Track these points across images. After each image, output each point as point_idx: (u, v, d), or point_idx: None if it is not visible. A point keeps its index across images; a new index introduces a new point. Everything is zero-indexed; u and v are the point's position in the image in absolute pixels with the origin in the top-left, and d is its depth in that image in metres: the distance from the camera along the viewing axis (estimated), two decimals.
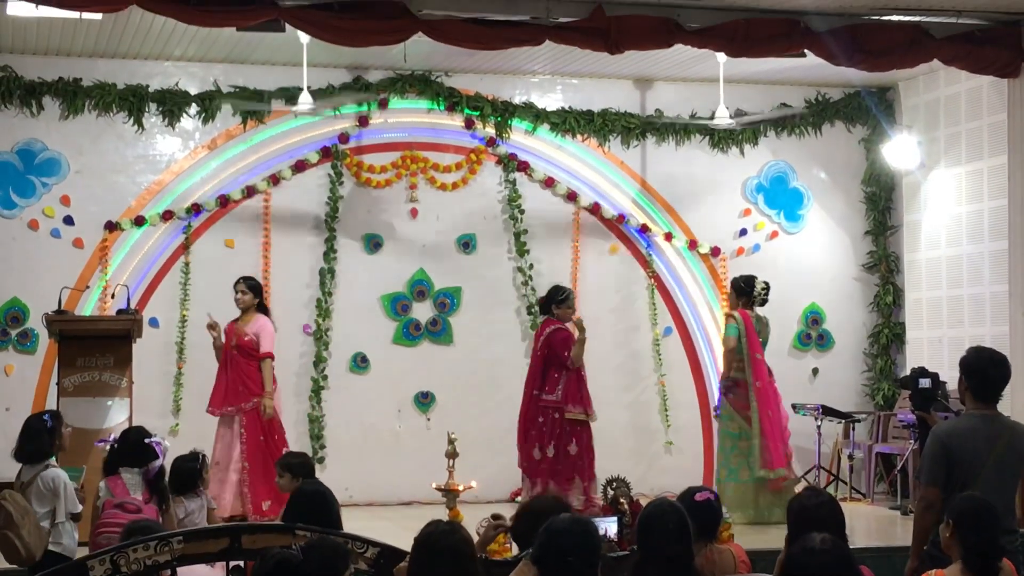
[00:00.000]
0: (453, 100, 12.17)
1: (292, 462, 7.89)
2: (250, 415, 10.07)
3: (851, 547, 4.53)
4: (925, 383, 9.90)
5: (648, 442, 12.43)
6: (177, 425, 11.28)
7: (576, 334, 10.27)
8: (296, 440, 11.16)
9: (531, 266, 12.20)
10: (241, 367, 10.14)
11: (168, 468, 7.42)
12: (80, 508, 7.43)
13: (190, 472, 7.49)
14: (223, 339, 10.21)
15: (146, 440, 7.25)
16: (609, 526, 6.32)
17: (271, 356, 10.16)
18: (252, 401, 10.07)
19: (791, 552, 4.32)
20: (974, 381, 5.89)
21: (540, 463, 10.19)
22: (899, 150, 12.59)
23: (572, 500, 9.83)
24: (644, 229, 12.53)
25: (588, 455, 10.29)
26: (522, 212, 12.23)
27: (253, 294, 10.34)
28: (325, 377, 11.84)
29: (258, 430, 10.08)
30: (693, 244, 12.63)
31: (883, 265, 13.05)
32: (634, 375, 12.48)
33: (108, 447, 7.64)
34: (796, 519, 5.07)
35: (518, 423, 10.46)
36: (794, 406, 11.91)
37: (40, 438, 7.41)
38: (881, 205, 13.09)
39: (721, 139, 12.71)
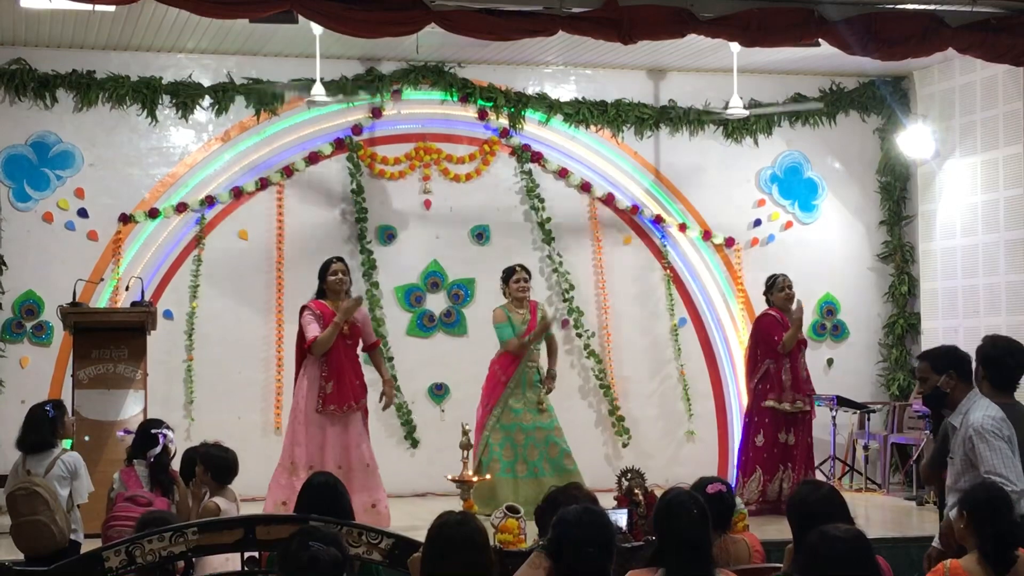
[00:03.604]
0: (466, 91, 12.16)
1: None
2: (365, 410, 9.46)
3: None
4: None
5: (670, 431, 12.44)
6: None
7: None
8: None
9: (542, 259, 12.17)
10: (352, 357, 9.41)
11: (180, 460, 7.39)
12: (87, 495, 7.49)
13: (233, 462, 7.07)
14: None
15: (152, 431, 7.26)
16: (619, 517, 6.30)
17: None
18: (367, 395, 9.52)
19: (811, 541, 4.26)
20: (992, 370, 5.87)
21: (747, 451, 10.28)
22: (914, 139, 12.52)
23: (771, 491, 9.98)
24: (658, 220, 12.50)
25: (777, 446, 10.19)
26: (542, 201, 12.20)
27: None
28: None
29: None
30: (707, 235, 12.59)
31: (898, 255, 13.01)
32: (656, 366, 12.47)
33: (132, 438, 7.66)
34: (800, 514, 5.00)
35: None
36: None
37: (41, 428, 7.45)
38: (896, 195, 13.04)
39: (735, 129, 12.67)
